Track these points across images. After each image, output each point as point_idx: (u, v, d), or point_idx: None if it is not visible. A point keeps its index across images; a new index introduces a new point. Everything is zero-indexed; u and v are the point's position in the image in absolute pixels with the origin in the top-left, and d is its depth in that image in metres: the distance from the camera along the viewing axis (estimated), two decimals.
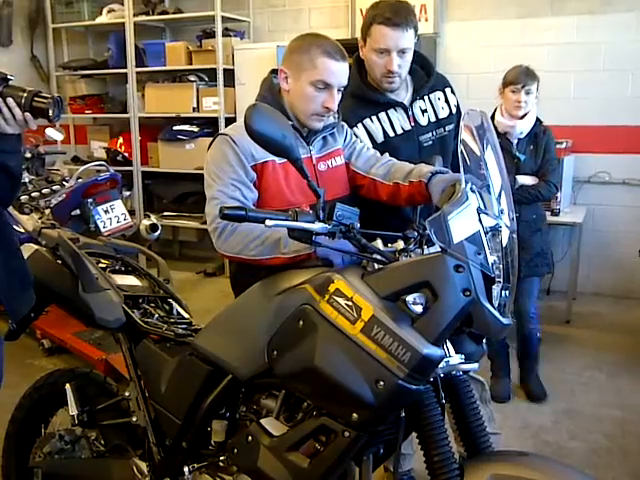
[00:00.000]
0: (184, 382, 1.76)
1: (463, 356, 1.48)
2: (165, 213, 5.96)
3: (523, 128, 3.31)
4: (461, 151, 1.47)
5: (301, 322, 1.45)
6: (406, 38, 2.10)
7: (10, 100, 1.53)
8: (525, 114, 3.29)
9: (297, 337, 1.46)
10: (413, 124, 2.27)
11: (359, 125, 2.20)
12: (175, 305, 2.10)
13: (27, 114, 1.55)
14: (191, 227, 5.92)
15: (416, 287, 1.38)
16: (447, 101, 2.37)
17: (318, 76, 1.78)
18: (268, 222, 1.38)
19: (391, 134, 2.24)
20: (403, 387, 1.32)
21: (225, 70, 5.51)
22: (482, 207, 1.45)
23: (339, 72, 1.80)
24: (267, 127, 1.41)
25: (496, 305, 1.41)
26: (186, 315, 2.09)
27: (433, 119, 2.32)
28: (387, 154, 2.04)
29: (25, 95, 1.55)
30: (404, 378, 1.32)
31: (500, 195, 1.52)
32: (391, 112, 2.25)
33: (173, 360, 1.80)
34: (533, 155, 3.34)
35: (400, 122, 2.26)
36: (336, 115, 1.96)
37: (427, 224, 1.40)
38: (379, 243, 1.56)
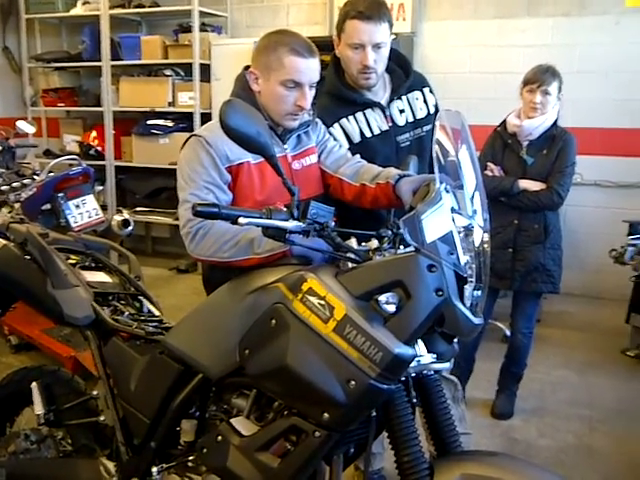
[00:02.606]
0: (154, 381, 1.73)
1: (435, 355, 1.48)
2: (138, 208, 5.90)
3: (532, 129, 3.04)
4: (436, 151, 1.46)
5: (273, 321, 1.44)
6: (380, 32, 2.08)
7: None
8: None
9: (269, 336, 1.45)
10: (390, 124, 2.25)
11: (336, 125, 2.18)
12: (146, 302, 2.08)
13: None
14: (164, 223, 5.86)
15: (389, 286, 1.38)
16: (425, 101, 2.35)
17: (287, 75, 1.75)
18: (242, 220, 1.36)
19: (368, 134, 2.22)
20: (374, 387, 1.32)
21: (201, 65, 5.47)
22: (456, 207, 1.45)
23: (308, 69, 1.77)
24: (242, 123, 1.39)
25: (468, 305, 1.42)
26: (157, 312, 2.06)
27: (411, 119, 2.30)
28: (358, 155, 2.02)
29: None
30: (375, 378, 1.32)
31: (474, 195, 1.52)
32: (368, 112, 2.23)
33: (143, 358, 1.78)
34: (544, 160, 3.05)
35: (377, 122, 2.24)
36: (311, 112, 1.94)
37: (401, 223, 1.40)
38: (353, 242, 1.56)
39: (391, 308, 1.35)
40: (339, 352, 1.35)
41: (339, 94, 2.21)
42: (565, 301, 4.82)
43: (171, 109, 5.63)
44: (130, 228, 3.85)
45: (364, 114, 2.22)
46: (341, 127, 2.19)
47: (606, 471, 2.73)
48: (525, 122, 3.05)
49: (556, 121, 3.08)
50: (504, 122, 3.16)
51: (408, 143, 2.28)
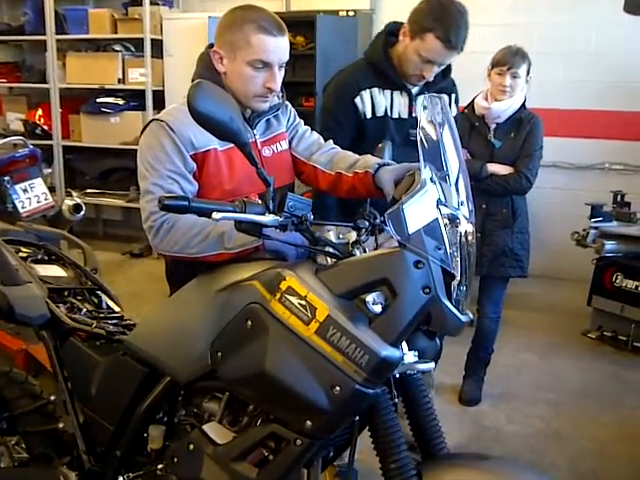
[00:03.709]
0: (117, 384, 1.62)
1: (417, 352, 1.41)
2: (88, 190, 5.70)
3: (500, 112, 2.98)
4: (420, 139, 1.37)
5: (249, 322, 1.34)
6: None
7: None
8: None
9: (245, 339, 1.35)
10: (411, 115, 2.32)
11: (368, 90, 2.27)
12: (104, 297, 1.95)
13: None
14: (116, 205, 5.66)
15: (374, 284, 1.30)
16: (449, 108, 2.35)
17: (255, 55, 1.62)
18: (215, 215, 1.25)
19: (389, 114, 2.30)
20: (360, 392, 1.25)
21: (153, 40, 5.26)
22: (442, 198, 1.37)
23: (278, 48, 1.64)
24: (213, 108, 1.27)
25: (454, 301, 1.35)
26: (117, 308, 1.93)
27: None
28: (331, 141, 1.92)
29: None
30: (362, 382, 1.25)
31: (458, 185, 1.44)
32: (396, 94, 2.31)
33: (104, 360, 1.66)
34: (512, 143, 3.01)
35: (400, 107, 2.32)
36: (280, 94, 1.81)
37: (386, 217, 1.31)
38: (332, 235, 1.47)
39: (378, 308, 1.27)
40: (322, 356, 1.27)
41: (378, 65, 2.29)
42: (526, 283, 4.81)
43: (121, 86, 5.41)
44: (82, 213, 3.66)
45: (392, 94, 2.30)
46: (371, 95, 2.27)
47: (575, 456, 2.74)
48: (493, 105, 2.99)
49: (524, 104, 3.03)
50: (471, 104, 3.09)
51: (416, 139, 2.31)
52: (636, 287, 3.70)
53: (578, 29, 4.71)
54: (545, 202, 4.93)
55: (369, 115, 2.29)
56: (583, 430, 2.95)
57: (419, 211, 1.31)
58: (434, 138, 1.41)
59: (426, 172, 1.35)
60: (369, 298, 1.25)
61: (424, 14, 2.16)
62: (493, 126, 3.05)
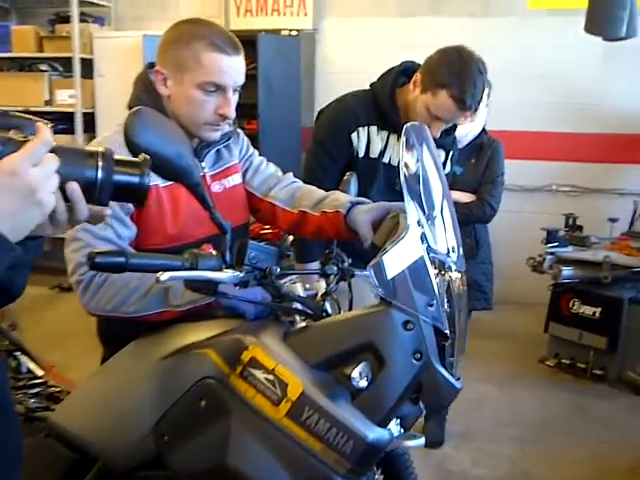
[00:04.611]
0: (39, 472, 1.33)
1: (399, 420, 1.20)
2: None
3: (461, 137, 2.76)
4: (404, 175, 1.16)
5: (203, 402, 1.10)
6: None
7: (73, 188, 0.81)
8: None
9: (199, 422, 1.11)
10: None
11: (366, 128, 2.06)
12: (24, 359, 1.65)
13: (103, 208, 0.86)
14: None
15: (356, 351, 1.08)
16: (444, 165, 2.18)
17: (206, 77, 1.38)
18: (162, 276, 1.00)
19: (382, 159, 2.08)
20: None
21: (82, 60, 4.97)
22: (431, 245, 1.16)
23: (233, 69, 1.41)
24: (156, 142, 1.01)
25: (449, 366, 1.15)
26: (39, 372, 1.64)
27: None
28: (291, 174, 1.69)
29: (101, 165, 0.81)
30: (345, 474, 1.03)
31: (446, 228, 1.24)
32: (392, 137, 2.08)
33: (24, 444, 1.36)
34: (473, 169, 2.86)
35: (392, 153, 2.09)
36: (231, 122, 1.57)
37: (369, 270, 1.09)
38: (299, 288, 1.24)
39: (364, 383, 1.05)
40: (296, 443, 1.04)
41: (382, 105, 2.06)
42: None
43: (49, 108, 5.07)
44: None
45: (388, 137, 2.08)
46: (368, 133, 2.06)
47: None
48: None
49: (484, 128, 2.91)
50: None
51: None
52: (594, 313, 3.60)
53: (527, 50, 4.67)
54: (497, 226, 4.84)
55: (362, 154, 2.06)
56: (550, 467, 2.79)
57: (406, 261, 1.10)
58: (418, 175, 1.20)
59: (412, 214, 1.14)
60: (355, 373, 1.03)
61: (439, 67, 1.95)
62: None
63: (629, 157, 4.58)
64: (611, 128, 4.59)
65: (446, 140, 2.17)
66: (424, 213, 1.17)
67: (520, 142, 4.76)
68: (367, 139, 2.05)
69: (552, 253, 3.64)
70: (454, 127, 2.20)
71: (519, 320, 4.51)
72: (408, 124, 1.23)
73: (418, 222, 1.14)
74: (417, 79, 1.99)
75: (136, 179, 0.82)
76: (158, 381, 1.20)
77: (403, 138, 1.19)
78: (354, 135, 2.04)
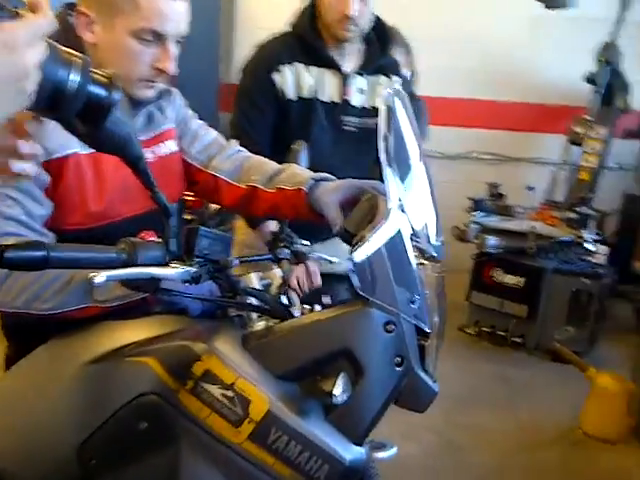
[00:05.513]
0: None
1: None
2: None
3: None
4: (384, 149, 0.99)
5: (144, 424, 0.90)
6: None
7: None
8: None
9: (137, 447, 0.91)
10: (344, 98, 1.93)
11: (290, 66, 1.87)
12: None
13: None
14: None
15: (330, 358, 0.91)
16: None
17: (144, 22, 1.13)
18: (97, 278, 0.79)
19: (318, 96, 1.90)
20: None
21: None
22: (414, 231, 1.00)
23: (176, 14, 1.16)
24: None
25: (429, 368, 1.02)
26: None
27: (367, 104, 1.96)
28: (235, 141, 1.46)
29: (81, 72, 0.68)
30: None
31: (426, 211, 1.09)
32: (326, 73, 1.91)
33: None
34: None
35: (330, 90, 1.92)
36: (168, 78, 1.32)
37: (348, 263, 0.92)
38: (254, 279, 1.06)
39: (344, 398, 0.88)
40: (262, 470, 0.87)
41: (304, 37, 1.91)
42: None
43: None
44: None
45: (320, 72, 1.91)
46: (296, 71, 1.88)
47: (478, 472, 2.55)
48: None
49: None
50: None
51: (354, 129, 1.94)
52: (516, 282, 3.61)
53: (447, 15, 4.55)
54: None
55: (292, 96, 1.88)
56: (479, 439, 2.77)
57: (387, 252, 0.94)
58: (397, 145, 1.03)
59: (393, 196, 0.97)
60: (336, 390, 0.86)
61: None
62: None
63: (550, 127, 4.61)
64: (533, 98, 4.60)
65: (387, 61, 2.02)
66: (404, 194, 1.01)
67: (441, 108, 4.68)
68: (295, 78, 1.89)
69: (477, 222, 3.61)
70: (387, 43, 2.02)
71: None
72: (385, 92, 1.05)
73: (400, 207, 0.98)
74: None
75: (104, 92, 0.72)
76: (82, 392, 0.99)
77: (381, 107, 1.01)
78: (276, 75, 1.88)
